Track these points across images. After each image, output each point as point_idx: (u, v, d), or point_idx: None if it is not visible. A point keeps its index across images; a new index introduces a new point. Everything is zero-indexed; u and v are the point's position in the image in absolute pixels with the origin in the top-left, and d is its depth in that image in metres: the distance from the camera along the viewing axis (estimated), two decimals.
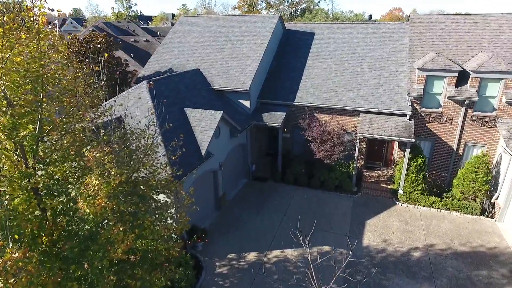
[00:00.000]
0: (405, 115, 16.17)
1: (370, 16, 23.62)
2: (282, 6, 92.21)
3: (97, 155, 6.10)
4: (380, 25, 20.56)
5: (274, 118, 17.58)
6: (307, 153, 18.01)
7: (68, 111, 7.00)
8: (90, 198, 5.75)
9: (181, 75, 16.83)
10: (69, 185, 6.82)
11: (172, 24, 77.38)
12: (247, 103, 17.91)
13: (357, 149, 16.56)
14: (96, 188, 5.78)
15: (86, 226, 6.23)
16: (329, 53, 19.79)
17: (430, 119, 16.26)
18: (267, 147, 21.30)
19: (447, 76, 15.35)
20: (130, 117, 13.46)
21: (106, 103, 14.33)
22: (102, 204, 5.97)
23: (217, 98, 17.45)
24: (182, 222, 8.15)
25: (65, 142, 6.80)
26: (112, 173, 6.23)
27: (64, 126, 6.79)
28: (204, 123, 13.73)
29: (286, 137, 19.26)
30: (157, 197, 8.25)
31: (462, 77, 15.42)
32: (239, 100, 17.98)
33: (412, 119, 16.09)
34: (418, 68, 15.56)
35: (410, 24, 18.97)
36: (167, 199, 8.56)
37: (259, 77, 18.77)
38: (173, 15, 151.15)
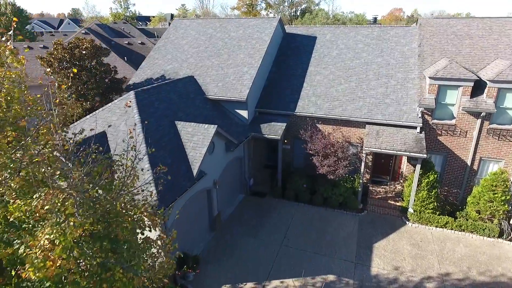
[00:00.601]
0: (415, 127, 14.94)
1: (375, 18, 22.41)
2: (282, 7, 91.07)
3: (47, 207, 4.82)
4: (387, 29, 19.33)
5: (274, 130, 16.35)
6: (309, 166, 16.77)
7: (17, 144, 5.72)
8: (39, 261, 4.51)
9: (173, 83, 15.58)
10: (23, 233, 5.55)
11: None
12: (244, 113, 16.67)
13: (363, 164, 15.32)
14: (48, 247, 4.54)
15: None
16: (332, 59, 18.55)
17: (443, 131, 15.02)
18: (266, 158, 20.06)
19: (462, 86, 14.12)
20: (114, 132, 12.25)
21: (87, 117, 13.15)
22: (57, 264, 4.73)
23: (212, 108, 16.21)
24: (166, 267, 6.90)
25: (14, 184, 5.49)
26: (72, 223, 4.97)
27: (11, 165, 5.48)
28: (197, 138, 12.48)
29: (286, 149, 18.02)
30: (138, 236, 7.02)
31: (478, 87, 14.20)
32: (235, 110, 16.73)
33: (423, 132, 14.85)
34: (429, 77, 14.32)
35: (419, 28, 17.74)
36: (149, 238, 7.30)
37: (257, 85, 17.53)
38: (172, 16, 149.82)
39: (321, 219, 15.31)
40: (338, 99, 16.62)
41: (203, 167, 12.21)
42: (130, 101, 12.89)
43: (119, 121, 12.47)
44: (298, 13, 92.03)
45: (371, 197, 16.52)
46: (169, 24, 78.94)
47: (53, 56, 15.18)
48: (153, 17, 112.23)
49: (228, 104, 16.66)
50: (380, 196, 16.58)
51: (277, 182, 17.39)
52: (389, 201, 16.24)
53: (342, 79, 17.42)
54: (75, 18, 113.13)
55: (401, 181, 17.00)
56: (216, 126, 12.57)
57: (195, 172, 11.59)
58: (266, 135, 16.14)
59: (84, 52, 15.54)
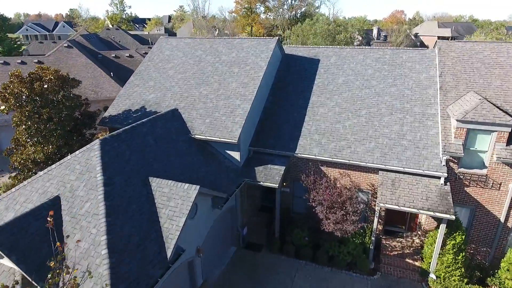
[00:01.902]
0: (438, 177, 12.56)
1: (385, 36, 19.98)
2: (281, 10, 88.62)
3: None
4: (399, 52, 16.93)
5: (270, 175, 13.96)
6: (312, 213, 14.39)
7: None
8: None
9: (151, 123, 13.17)
10: None
11: (166, 30, 73.73)
12: (236, 155, 14.28)
13: (375, 221, 12.94)
14: None
15: None
16: (338, 87, 16.17)
17: (471, 182, 12.64)
18: (262, 199, 17.68)
19: (496, 131, 11.75)
20: (71, 198, 9.87)
21: (40, 174, 10.75)
22: None
23: (198, 151, 13.82)
24: None
25: None
26: None
27: None
28: (174, 203, 10.09)
29: (285, 192, 15.63)
30: None
31: None
32: (226, 151, 14.35)
33: (448, 183, 12.48)
34: (457, 120, 11.94)
35: (439, 53, 15.36)
36: None
37: (252, 119, 15.16)
38: (169, 18, 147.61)
39: (327, 284, 12.93)
40: (346, 138, 14.23)
41: (181, 241, 9.82)
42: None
43: (77, 182, 10.08)
44: (298, 16, 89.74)
45: (385, 253, 14.15)
46: (165, 29, 76.57)
47: (8, 91, 12.78)
48: (149, 20, 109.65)
49: (217, 144, 14.28)
50: (395, 253, 14.20)
51: (275, 232, 15.02)
52: (406, 260, 13.86)
53: (350, 113, 15.04)
54: (69, 21, 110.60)
55: (419, 232, 14.63)
56: (198, 187, 10.17)
57: (169, 252, 9.20)
58: (261, 182, 13.75)
59: (46, 86, 13.12)
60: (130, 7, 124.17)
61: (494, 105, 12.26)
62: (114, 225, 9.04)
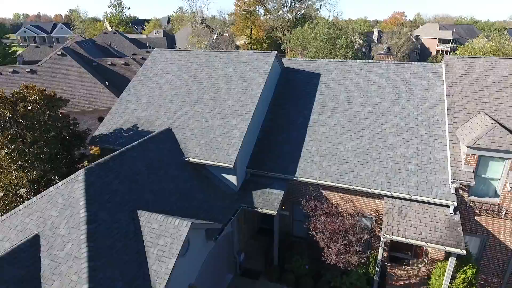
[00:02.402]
0: (447, 206, 11.80)
1: (389, 48, 19.19)
2: (281, 12, 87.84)
3: None
4: (404, 67, 16.16)
5: (269, 201, 13.19)
6: (312, 240, 13.59)
7: None
8: None
9: (142, 147, 12.40)
10: None
11: (165, 34, 72.94)
12: (232, 178, 13.52)
13: (380, 251, 12.17)
14: None
15: None
16: (340, 104, 15.41)
17: (482, 211, 11.88)
18: (260, 220, 16.91)
19: (510, 159, 10.99)
20: (51, 237, 9.12)
21: (20, 208, 9.96)
22: None
23: (192, 175, 13.05)
24: None
25: None
26: None
27: None
28: (163, 241, 9.32)
29: (284, 215, 14.87)
30: None
31: None
32: (222, 174, 13.59)
33: (458, 212, 11.72)
34: (468, 146, 11.18)
35: (446, 69, 14.60)
36: None
37: (250, 139, 14.39)
38: (169, 19, 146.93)
39: None
40: (348, 161, 13.47)
41: (171, 284, 9.05)
42: (76, 188, 9.75)
43: (59, 219, 9.31)
44: (298, 18, 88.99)
45: (390, 283, 13.37)
46: (163, 32, 75.75)
47: None
48: (148, 22, 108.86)
49: (213, 167, 13.51)
50: (401, 283, 13.42)
51: (274, 259, 14.25)
52: None
53: (353, 133, 14.28)
54: (68, 22, 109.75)
55: (425, 260, 13.86)
56: (189, 223, 9.40)
57: None
58: (259, 209, 12.99)
59: (30, 107, 12.34)
60: (128, 8, 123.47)
61: (507, 129, 11.51)
62: (97, 270, 8.27)
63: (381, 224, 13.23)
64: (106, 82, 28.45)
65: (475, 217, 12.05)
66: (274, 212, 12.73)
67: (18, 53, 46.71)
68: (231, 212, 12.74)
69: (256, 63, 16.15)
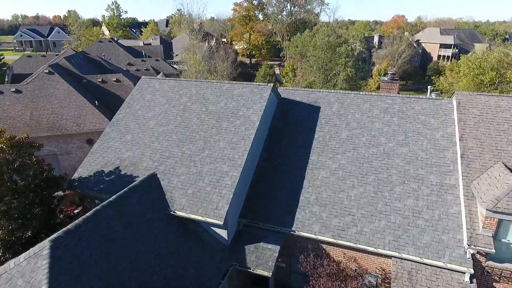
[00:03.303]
0: (462, 272, 10.53)
1: (393, 75, 17.93)
2: (280, 16, 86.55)
3: None
4: (411, 102, 14.88)
5: (263, 258, 11.92)
6: None
7: None
8: None
9: (121, 201, 11.12)
10: None
11: (162, 41, 71.50)
12: (223, 232, 12.24)
13: None
14: None
15: None
16: (341, 144, 14.14)
17: (501, 278, 10.62)
18: None
19: None
20: None
21: None
22: None
23: (177, 231, 11.77)
24: None
25: None
26: None
27: None
28: None
29: (281, 267, 13.60)
30: None
31: None
32: (211, 227, 12.31)
33: (474, 279, 10.45)
34: (486, 209, 9.91)
35: (458, 108, 13.34)
36: None
37: (242, 185, 13.12)
38: (167, 22, 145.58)
39: None
40: (351, 213, 12.19)
41: None
42: (40, 266, 8.47)
43: None
44: (298, 23, 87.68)
45: None
46: (160, 38, 74.38)
47: None
48: (145, 27, 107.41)
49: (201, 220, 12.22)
50: None
51: None
52: None
53: (355, 179, 13.00)
54: (65, 26, 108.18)
55: None
56: None
57: None
58: (252, 269, 11.71)
59: None
60: (126, 12, 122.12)
61: None
62: None
63: (387, 283, 11.97)
64: (96, 102, 27.14)
65: (494, 284, 10.78)
66: (269, 274, 11.45)
67: (10, 64, 45.31)
68: (221, 273, 11.47)
69: (250, 97, 14.87)
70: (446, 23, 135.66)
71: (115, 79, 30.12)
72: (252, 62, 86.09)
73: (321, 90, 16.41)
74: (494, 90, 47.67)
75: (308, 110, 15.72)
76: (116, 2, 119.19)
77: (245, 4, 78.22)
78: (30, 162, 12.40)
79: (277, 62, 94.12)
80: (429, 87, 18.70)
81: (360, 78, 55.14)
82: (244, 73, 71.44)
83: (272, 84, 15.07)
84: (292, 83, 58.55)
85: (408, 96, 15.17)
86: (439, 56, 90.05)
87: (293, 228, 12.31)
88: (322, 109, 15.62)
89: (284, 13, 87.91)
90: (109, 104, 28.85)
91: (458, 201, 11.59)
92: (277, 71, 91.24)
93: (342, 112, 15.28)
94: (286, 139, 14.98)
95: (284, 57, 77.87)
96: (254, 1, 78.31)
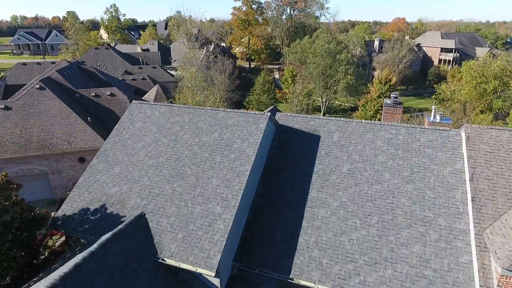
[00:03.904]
0: None
1: (396, 97, 17.05)
2: (279, 21, 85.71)
3: None
4: (416, 132, 14.02)
5: None
6: None
7: None
8: None
9: (104, 250, 10.25)
10: None
11: (160, 46, 70.67)
12: (215, 281, 11.36)
13: None
14: None
15: None
16: (343, 179, 13.27)
17: None
18: None
19: None
20: None
21: None
22: None
23: (166, 281, 10.90)
24: None
25: None
26: None
27: None
28: None
29: None
30: None
31: None
32: (203, 275, 11.44)
33: None
34: (502, 268, 9.05)
35: (467, 143, 12.47)
36: None
37: (236, 225, 12.24)
38: (166, 24, 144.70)
39: None
40: (353, 259, 11.32)
41: None
42: None
43: None
44: (298, 26, 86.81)
45: None
46: (158, 43, 73.47)
47: None
48: (144, 30, 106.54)
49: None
50: None
51: None
52: None
53: (358, 220, 12.13)
54: (62, 31, 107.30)
55: None
56: None
57: None
58: None
59: None
60: (124, 15, 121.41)
61: None
62: None
63: None
64: (89, 118, 26.27)
65: None
66: None
67: (1, 75, 44.40)
68: None
69: (246, 128, 14.00)
70: (446, 25, 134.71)
71: (109, 93, 29.27)
72: (252, 65, 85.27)
73: (321, 117, 15.55)
74: (497, 99, 46.89)
75: (307, 140, 14.86)
76: (114, 5, 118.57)
77: (244, 8, 77.34)
78: (8, 204, 11.51)
79: (277, 66, 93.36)
80: (433, 107, 17.78)
81: (360, 84, 54.38)
82: (243, 78, 70.61)
83: (269, 114, 14.21)
84: (292, 90, 57.80)
85: (413, 125, 14.30)
86: (440, 60, 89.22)
87: (291, 275, 11.43)
88: (322, 138, 14.76)
89: (284, 16, 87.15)
90: (102, 119, 28.04)
91: (469, 249, 10.73)
92: (277, 76, 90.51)
93: (343, 143, 14.42)
94: (284, 171, 14.12)
95: (283, 63, 76.99)
96: (253, 5, 77.40)
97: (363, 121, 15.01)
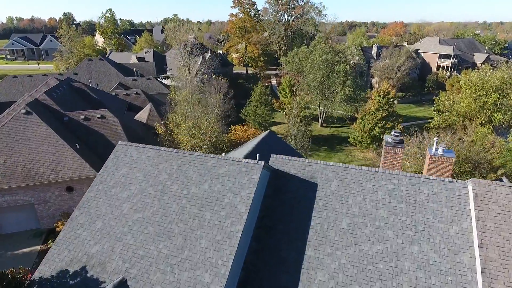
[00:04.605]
0: None
1: (397, 136, 16.15)
2: (277, 27, 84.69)
3: None
4: (420, 183, 13.13)
5: None
6: None
7: None
8: None
9: None
10: None
11: (155, 54, 69.55)
12: None
13: None
14: None
15: None
16: (341, 236, 12.37)
17: None
18: None
19: None
20: None
21: None
22: None
23: None
24: None
25: None
26: None
27: None
28: None
29: None
30: None
31: None
32: None
33: None
34: None
35: (475, 202, 11.60)
36: None
37: None
38: (163, 28, 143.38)
39: None
40: None
41: None
42: None
43: None
44: (295, 32, 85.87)
45: None
46: (154, 51, 72.30)
47: None
48: (139, 37, 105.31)
49: None
50: None
51: None
52: None
53: (358, 286, 11.23)
54: (56, 35, 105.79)
55: None
56: None
57: None
58: None
59: None
60: (120, 20, 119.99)
61: None
62: None
63: None
64: (77, 144, 25.24)
65: None
66: None
67: None
68: None
69: (238, 179, 13.06)
70: (444, 27, 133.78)
71: (99, 116, 28.25)
72: (249, 71, 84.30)
73: (319, 162, 14.63)
74: (497, 112, 46.21)
75: (304, 188, 13.94)
76: (111, 10, 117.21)
77: (241, 15, 76.34)
78: None
79: (274, 72, 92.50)
80: (435, 138, 16.95)
81: (358, 94, 53.53)
82: (239, 85, 69.56)
83: (262, 163, 13.28)
84: (290, 100, 56.92)
85: (416, 175, 13.41)
86: (438, 67, 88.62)
87: None
88: (320, 187, 13.85)
89: (281, 22, 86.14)
90: (92, 144, 27.03)
91: None
92: (274, 82, 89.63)
93: (342, 193, 13.51)
94: (279, 224, 13.20)
95: (280, 72, 76.06)
96: (251, 12, 76.40)
97: (363, 167, 14.10)
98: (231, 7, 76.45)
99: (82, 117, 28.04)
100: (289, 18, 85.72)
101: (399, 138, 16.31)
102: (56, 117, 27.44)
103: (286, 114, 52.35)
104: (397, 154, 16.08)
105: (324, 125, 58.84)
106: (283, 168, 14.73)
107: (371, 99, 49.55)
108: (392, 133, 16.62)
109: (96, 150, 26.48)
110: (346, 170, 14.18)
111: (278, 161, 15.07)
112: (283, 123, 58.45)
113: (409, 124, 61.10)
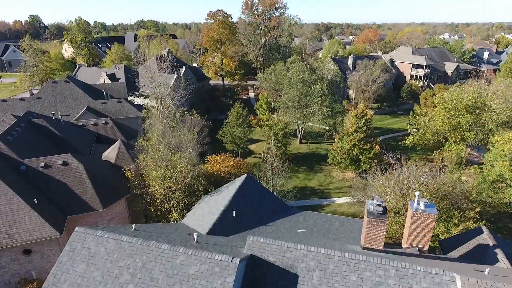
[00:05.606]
0: None
1: (380, 205, 15.26)
2: (253, 37, 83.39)
3: None
4: (407, 275, 12.18)
5: None
6: None
7: None
8: None
9: None
10: None
11: (127, 70, 66.48)
12: None
13: None
14: None
15: None
16: None
17: None
18: None
19: None
20: None
21: None
22: None
23: None
24: None
25: None
26: None
27: None
28: None
29: None
30: None
31: None
32: None
33: None
34: None
35: None
36: None
37: None
38: (136, 36, 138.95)
39: None
40: None
41: None
42: None
43: None
44: (272, 43, 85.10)
45: None
46: (125, 68, 69.04)
47: None
48: (109, 49, 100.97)
49: None
50: None
51: None
52: None
53: None
54: (17, 44, 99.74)
55: None
56: None
57: None
58: None
59: None
60: (95, 28, 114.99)
61: None
62: None
63: None
64: (35, 200, 22.88)
65: None
66: None
67: None
68: None
69: (210, 283, 11.65)
70: (414, 35, 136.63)
71: (61, 162, 25.93)
72: (226, 81, 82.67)
73: (299, 248, 13.47)
74: (469, 132, 47.18)
75: (283, 280, 12.73)
76: (80, 18, 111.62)
77: (217, 28, 74.56)
78: None
79: (252, 83, 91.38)
80: (417, 193, 16.33)
81: (336, 109, 53.34)
82: (215, 99, 67.71)
83: (237, 263, 11.92)
84: (267, 117, 55.99)
85: (404, 266, 12.50)
86: (411, 76, 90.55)
87: None
88: (301, 279, 12.68)
89: (257, 32, 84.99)
90: (54, 196, 24.65)
91: None
92: (251, 94, 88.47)
93: (324, 285, 12.41)
94: None
95: (258, 87, 74.86)
96: (226, 25, 74.78)
97: (346, 255, 13.05)
98: (206, 19, 74.59)
99: (42, 164, 25.58)
100: (265, 29, 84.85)
101: (381, 208, 15.47)
102: (11, 166, 24.87)
103: (265, 133, 51.33)
104: (380, 226, 15.22)
105: (303, 141, 58.32)
106: (261, 255, 13.47)
107: (348, 112, 49.37)
108: (375, 201, 15.77)
109: (58, 203, 24.20)
110: (328, 258, 13.10)
111: (255, 245, 13.79)
112: (261, 140, 57.43)
113: (386, 138, 61.69)
